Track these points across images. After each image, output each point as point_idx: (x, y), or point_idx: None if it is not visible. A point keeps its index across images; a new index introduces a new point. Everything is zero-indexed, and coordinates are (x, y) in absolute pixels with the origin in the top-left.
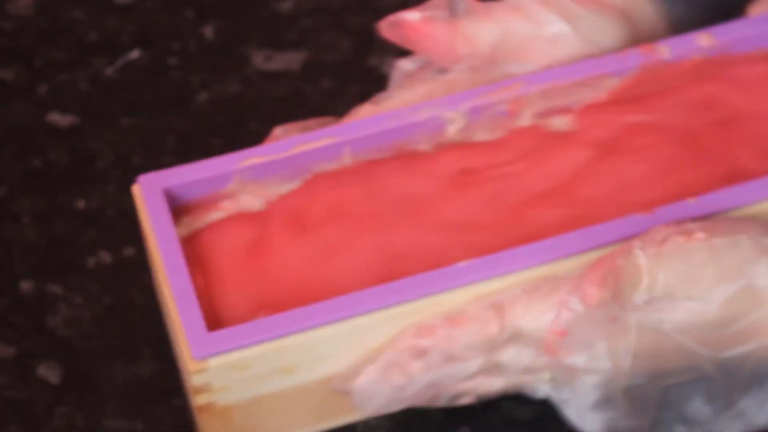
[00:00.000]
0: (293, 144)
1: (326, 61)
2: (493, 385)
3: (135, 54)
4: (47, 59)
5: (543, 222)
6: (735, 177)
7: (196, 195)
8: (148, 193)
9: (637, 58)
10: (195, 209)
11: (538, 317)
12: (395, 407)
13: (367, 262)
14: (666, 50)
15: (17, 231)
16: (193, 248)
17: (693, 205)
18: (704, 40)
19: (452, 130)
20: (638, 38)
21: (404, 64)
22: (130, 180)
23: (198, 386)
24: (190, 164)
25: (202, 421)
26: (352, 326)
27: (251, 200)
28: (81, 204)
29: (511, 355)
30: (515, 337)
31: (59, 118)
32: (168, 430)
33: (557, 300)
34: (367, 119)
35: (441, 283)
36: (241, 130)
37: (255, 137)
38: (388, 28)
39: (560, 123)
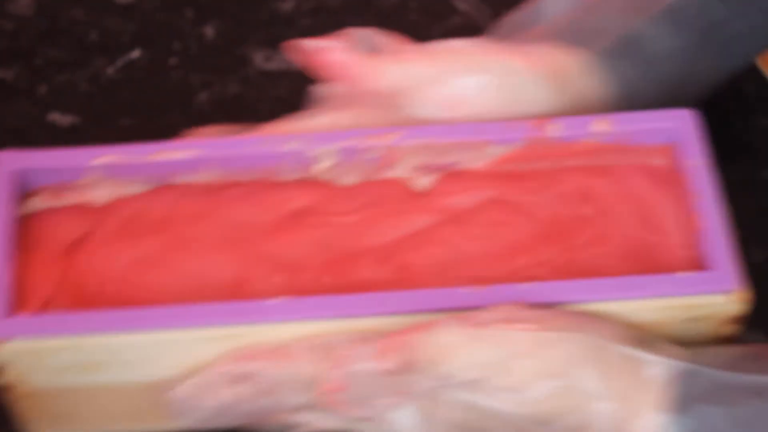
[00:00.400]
0: (155, 149)
1: None
2: (327, 422)
3: (135, 54)
4: (47, 59)
5: (362, 277)
6: (582, 273)
7: (50, 181)
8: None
9: (525, 130)
10: (44, 194)
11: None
12: (216, 424)
13: (178, 282)
14: (556, 128)
15: None
16: (25, 230)
17: (526, 289)
18: (600, 125)
19: (319, 167)
20: (573, 108)
21: (325, 89)
22: None
23: None
24: (54, 150)
25: (8, 401)
26: (154, 339)
27: (99, 196)
28: None
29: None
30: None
31: (59, 118)
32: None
33: (346, 354)
34: (237, 140)
35: (250, 314)
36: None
37: None
38: (294, 51)
39: (422, 182)
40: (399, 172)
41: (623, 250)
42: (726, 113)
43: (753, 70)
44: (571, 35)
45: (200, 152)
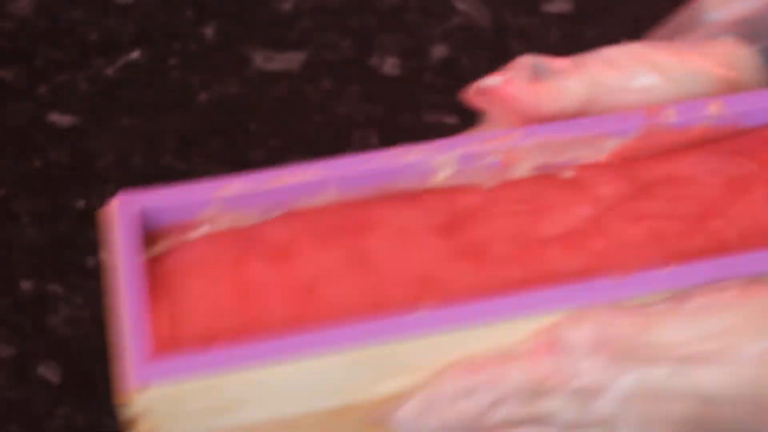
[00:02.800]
0: (276, 176)
1: (326, 61)
2: None
3: (135, 54)
4: (47, 59)
5: (554, 267)
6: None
7: (170, 219)
8: (122, 213)
9: (640, 119)
10: (168, 234)
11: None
12: None
13: (349, 303)
14: (672, 114)
15: (17, 231)
16: (156, 271)
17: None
18: (713, 108)
19: (441, 176)
20: None
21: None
22: (130, 180)
23: (131, 418)
24: (166, 188)
25: None
26: (297, 368)
27: (227, 226)
28: (81, 204)
29: (557, 405)
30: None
31: (59, 118)
32: None
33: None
34: (353, 158)
35: (401, 329)
36: (241, 130)
37: (255, 137)
38: (475, 95)
39: (564, 175)
40: (519, 173)
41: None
42: None
43: None
44: (740, 33)
45: (319, 174)
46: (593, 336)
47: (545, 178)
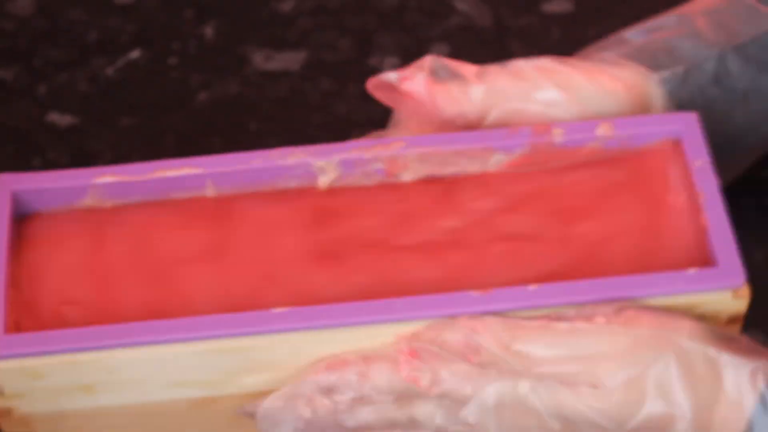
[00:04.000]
0: (153, 168)
1: (326, 61)
2: None
3: (135, 54)
4: (47, 59)
5: (409, 277)
6: (591, 272)
7: (50, 203)
8: None
9: (527, 136)
10: (44, 216)
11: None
12: None
13: (203, 293)
14: (560, 133)
15: None
16: (24, 248)
17: (548, 289)
18: (601, 129)
19: (324, 180)
20: None
21: (400, 112)
22: None
23: None
24: (52, 172)
25: (5, 426)
26: (150, 354)
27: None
28: None
29: (426, 411)
30: (436, 392)
31: (59, 118)
32: None
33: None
34: (237, 156)
35: (255, 325)
36: (240, 130)
37: (255, 137)
38: (375, 88)
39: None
40: (402, 182)
41: (630, 249)
42: None
43: None
44: (645, 58)
45: (200, 170)
46: (460, 342)
47: (421, 186)
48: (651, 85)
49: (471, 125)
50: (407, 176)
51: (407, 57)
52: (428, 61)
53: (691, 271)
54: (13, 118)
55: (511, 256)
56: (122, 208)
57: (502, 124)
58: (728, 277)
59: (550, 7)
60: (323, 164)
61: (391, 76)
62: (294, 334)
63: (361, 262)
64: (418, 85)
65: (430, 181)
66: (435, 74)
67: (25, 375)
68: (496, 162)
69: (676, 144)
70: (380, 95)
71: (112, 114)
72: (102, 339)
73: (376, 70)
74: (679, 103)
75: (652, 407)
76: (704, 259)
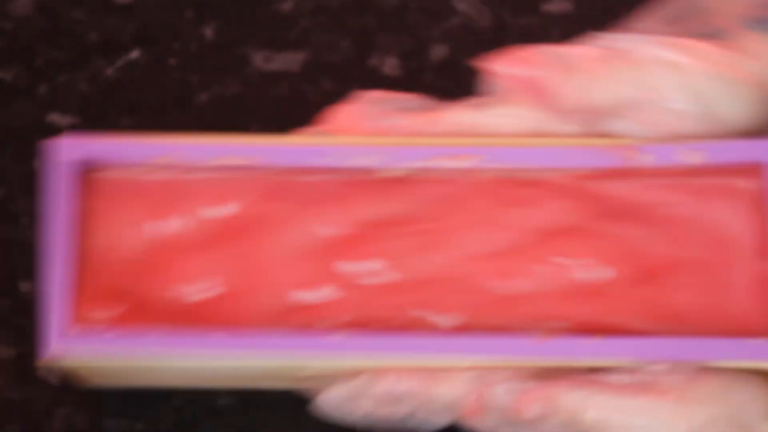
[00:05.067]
0: (215, 154)
1: (326, 61)
2: None
3: (135, 54)
4: (47, 59)
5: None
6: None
7: (112, 174)
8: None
9: (613, 158)
10: (108, 188)
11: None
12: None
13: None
14: (650, 157)
15: (17, 231)
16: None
17: (592, 344)
18: (693, 155)
19: (383, 173)
20: None
21: (506, 70)
22: None
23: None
24: (118, 138)
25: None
26: (204, 366)
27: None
28: None
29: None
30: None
31: (59, 118)
32: (167, 429)
33: (490, 383)
34: (306, 149)
35: (313, 348)
36: (240, 130)
37: None
38: (503, 72)
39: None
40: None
41: (701, 288)
42: None
43: None
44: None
45: (261, 161)
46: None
47: (484, 185)
48: None
49: (597, 113)
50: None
51: (407, 57)
52: (542, 50)
53: (758, 341)
54: (13, 118)
55: (559, 286)
56: (183, 184)
57: (616, 122)
58: None
59: (550, 7)
60: (394, 171)
61: (499, 66)
62: (342, 360)
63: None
64: (527, 72)
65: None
66: (550, 61)
67: (85, 368)
68: (568, 173)
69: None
70: (502, 79)
71: (112, 114)
72: (158, 346)
73: (376, 71)
74: None
75: None
76: None
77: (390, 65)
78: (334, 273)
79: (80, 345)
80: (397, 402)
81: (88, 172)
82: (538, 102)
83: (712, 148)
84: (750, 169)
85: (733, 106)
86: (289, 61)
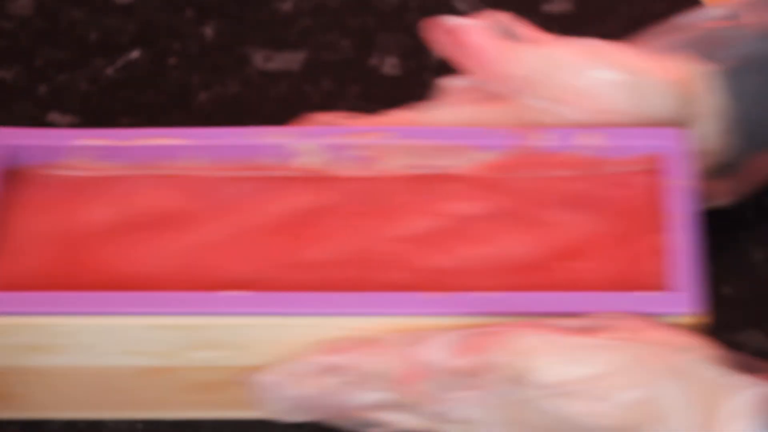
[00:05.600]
0: (138, 135)
1: (326, 61)
2: (409, 422)
3: (135, 54)
4: (47, 59)
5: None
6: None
7: (36, 159)
8: None
9: (506, 138)
10: (30, 172)
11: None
12: (295, 416)
13: (168, 266)
14: (540, 137)
15: None
16: (8, 205)
17: (521, 298)
18: (584, 138)
19: (302, 161)
20: (692, 121)
21: (449, 82)
22: None
23: None
24: (41, 129)
25: None
26: (102, 323)
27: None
28: None
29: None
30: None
31: (59, 118)
32: (168, 429)
33: (423, 347)
34: (222, 130)
35: (205, 305)
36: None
37: None
38: (438, 31)
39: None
40: (384, 169)
41: (597, 266)
42: None
43: None
44: (702, 47)
45: (188, 141)
46: (448, 345)
47: (402, 180)
48: (701, 79)
49: (512, 92)
50: (390, 164)
51: (407, 57)
52: (496, 16)
53: (641, 294)
54: (13, 118)
55: (481, 263)
56: (104, 172)
57: (544, 96)
58: (678, 303)
59: (550, 7)
60: (307, 146)
61: (464, 22)
62: (240, 318)
63: (331, 248)
64: (489, 38)
65: (415, 172)
66: (495, 30)
67: None
68: (473, 159)
69: (658, 160)
70: (438, 38)
71: (112, 114)
72: (55, 305)
73: (376, 70)
74: (735, 97)
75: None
76: (662, 283)
77: (390, 65)
78: (259, 256)
79: None
80: (330, 376)
81: (16, 162)
82: (481, 68)
83: (611, 132)
84: (647, 158)
85: (660, 99)
86: (289, 60)
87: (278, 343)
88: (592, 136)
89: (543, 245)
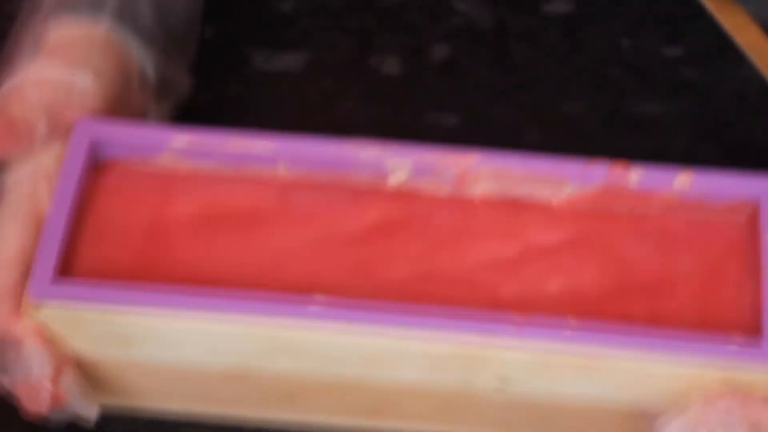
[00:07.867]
0: (231, 138)
1: (326, 61)
2: None
3: None
4: None
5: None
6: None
7: (125, 155)
8: (77, 138)
9: (602, 173)
10: (118, 167)
11: None
12: None
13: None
14: (635, 177)
15: None
16: (94, 198)
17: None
18: (680, 180)
19: (394, 179)
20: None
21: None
22: None
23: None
24: (132, 125)
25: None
26: (175, 322)
27: (173, 178)
28: None
29: None
30: None
31: None
32: (168, 429)
33: None
34: (312, 140)
35: (290, 310)
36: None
37: None
38: None
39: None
40: (472, 193)
41: (686, 308)
42: None
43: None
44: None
45: (278, 147)
46: None
47: (487, 205)
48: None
49: None
50: (477, 187)
51: (407, 57)
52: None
53: (733, 342)
54: None
55: (562, 294)
56: (194, 172)
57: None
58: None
59: (550, 7)
60: (397, 163)
61: None
62: (328, 332)
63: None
64: None
65: (502, 199)
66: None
67: (65, 320)
68: (566, 192)
69: (754, 206)
70: None
71: None
72: (139, 298)
73: (376, 70)
74: None
75: None
76: (755, 329)
77: (390, 65)
78: (341, 264)
79: (60, 292)
80: (727, 426)
81: (102, 152)
82: None
83: (708, 176)
84: (742, 204)
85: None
86: (289, 61)
87: (349, 353)
88: (689, 178)
89: (624, 279)
